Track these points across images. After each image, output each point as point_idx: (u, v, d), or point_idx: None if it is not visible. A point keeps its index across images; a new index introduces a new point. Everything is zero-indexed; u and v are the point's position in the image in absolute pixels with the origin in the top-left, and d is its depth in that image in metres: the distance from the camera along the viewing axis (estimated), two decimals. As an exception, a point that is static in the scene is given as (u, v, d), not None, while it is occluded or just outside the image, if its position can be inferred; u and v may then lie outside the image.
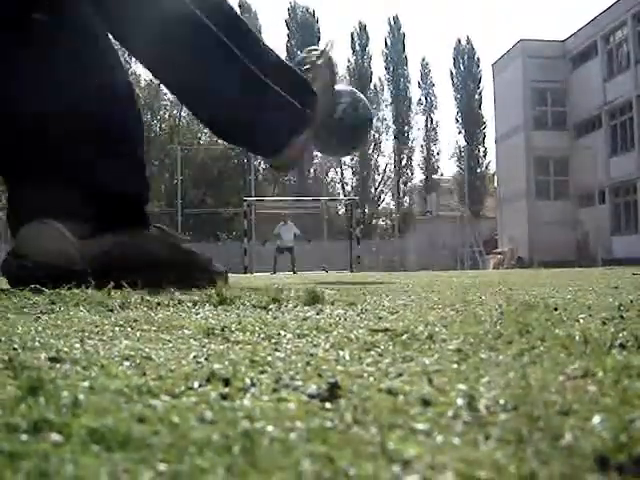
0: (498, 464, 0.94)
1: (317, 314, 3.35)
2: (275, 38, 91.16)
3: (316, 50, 4.80)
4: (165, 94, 67.12)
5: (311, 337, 2.41)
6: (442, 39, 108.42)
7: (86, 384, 1.49)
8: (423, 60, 69.83)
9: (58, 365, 1.80)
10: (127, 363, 1.82)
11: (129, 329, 2.72)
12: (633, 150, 39.22)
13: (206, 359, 1.89)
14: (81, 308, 3.70)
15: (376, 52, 70.64)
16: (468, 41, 68.22)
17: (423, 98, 68.50)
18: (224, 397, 1.36)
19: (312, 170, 65.28)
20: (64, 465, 0.89)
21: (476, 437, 1.08)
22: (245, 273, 28.22)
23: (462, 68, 67.41)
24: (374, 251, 43.55)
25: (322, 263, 36.90)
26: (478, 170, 65.07)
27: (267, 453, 0.95)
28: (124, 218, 4.05)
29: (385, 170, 67.17)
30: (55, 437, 1.02)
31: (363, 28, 67.25)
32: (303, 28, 64.98)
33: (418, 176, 67.88)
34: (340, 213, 61.41)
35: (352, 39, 67.13)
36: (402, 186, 65.71)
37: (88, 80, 3.96)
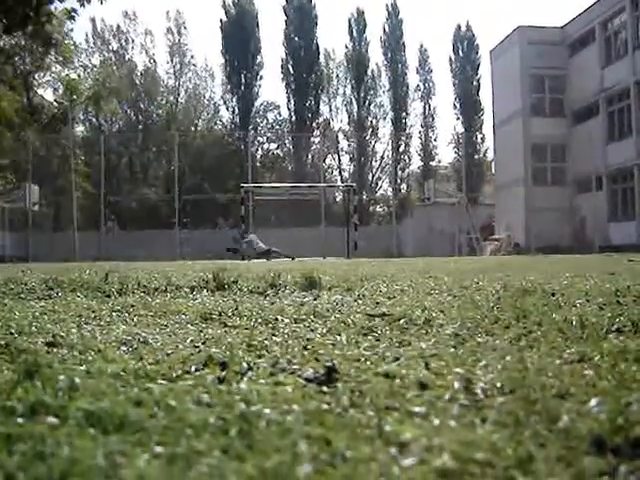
0: (495, 446, 0.94)
1: (314, 299, 3.36)
2: (273, 25, 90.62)
3: None
4: (162, 80, 66.97)
5: (308, 322, 2.41)
6: (440, 25, 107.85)
7: (83, 368, 1.49)
8: (421, 46, 69.32)
9: (55, 349, 1.80)
10: (124, 348, 1.82)
11: (126, 314, 2.72)
12: (630, 137, 39.03)
13: (203, 343, 1.89)
14: (78, 294, 3.70)
15: (374, 38, 70.22)
16: (468, 27, 67.72)
17: (421, 84, 68.00)
18: (221, 381, 1.36)
19: (310, 156, 65.15)
20: (60, 447, 0.89)
21: (473, 420, 1.08)
22: (243, 259, 28.20)
23: (461, 54, 66.87)
24: (371, 237, 43.50)
25: (320, 249, 36.84)
26: (476, 157, 64.71)
27: (264, 435, 0.95)
28: None
29: (382, 156, 66.90)
30: (51, 420, 1.02)
31: (361, 14, 66.67)
32: (301, 14, 64.47)
33: (416, 162, 67.63)
34: (338, 199, 61.34)
35: (350, 25, 66.57)
36: (400, 172, 65.38)
37: None
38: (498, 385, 1.19)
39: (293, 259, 26.77)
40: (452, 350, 1.59)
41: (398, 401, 1.08)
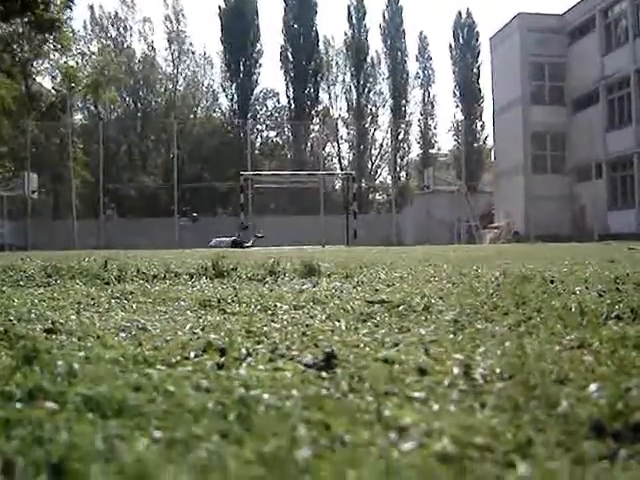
0: (494, 431, 0.94)
1: (313, 286, 3.36)
2: (272, 11, 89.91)
3: None
4: (161, 68, 66.78)
5: (307, 308, 2.41)
6: (440, 12, 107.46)
7: (82, 354, 1.49)
8: (421, 34, 69.18)
9: (54, 336, 1.80)
10: (123, 334, 1.82)
11: (125, 301, 2.72)
12: (630, 125, 38.98)
13: (202, 330, 1.90)
14: (77, 281, 3.70)
15: (374, 25, 69.90)
16: (468, 14, 67.51)
17: (421, 72, 67.90)
18: (220, 366, 1.36)
19: (309, 144, 65.09)
20: (59, 432, 0.89)
21: (472, 405, 1.08)
22: (242, 246, 28.24)
23: (461, 41, 66.69)
24: (371, 225, 43.48)
25: (319, 237, 36.85)
26: (475, 144, 64.71)
27: (263, 420, 0.95)
28: None
29: (382, 144, 66.86)
30: (50, 405, 1.02)
31: (360, 1, 66.44)
32: (300, 2, 64.28)
33: (415, 150, 67.63)
34: (337, 187, 61.33)
35: (349, 12, 66.39)
36: (399, 160, 65.35)
37: None
38: (497, 371, 1.19)
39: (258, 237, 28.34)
40: (451, 336, 1.59)
41: (397, 386, 1.08)
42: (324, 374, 1.16)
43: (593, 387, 1.05)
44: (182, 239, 39.89)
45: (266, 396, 0.99)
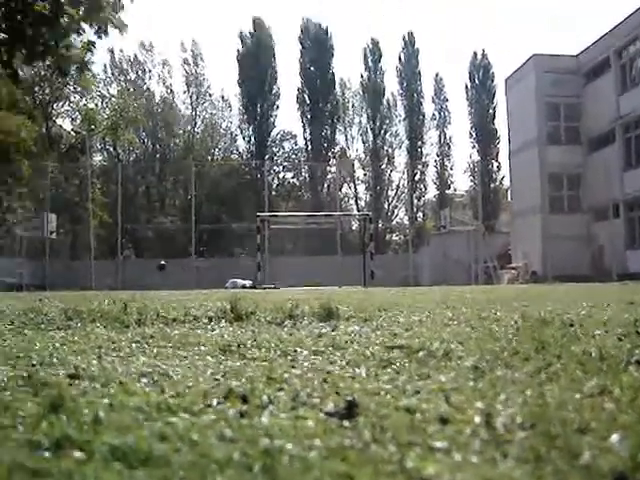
0: (517, 483, 0.94)
1: (332, 330, 3.37)
2: (288, 55, 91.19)
3: None
4: (179, 110, 67.62)
5: (327, 354, 2.42)
6: (456, 54, 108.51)
7: (106, 401, 1.50)
8: (437, 75, 69.80)
9: (77, 382, 1.81)
10: (145, 380, 1.83)
11: (146, 345, 2.74)
12: (647, 164, 39.04)
13: (223, 376, 1.91)
14: (97, 324, 3.72)
15: (389, 67, 70.62)
16: (484, 55, 68.13)
17: (437, 113, 68.45)
18: (242, 415, 1.37)
19: (326, 185, 65.44)
20: (87, 482, 0.90)
21: (494, 455, 1.09)
22: (256, 288, 28.24)
23: (477, 82, 67.19)
24: (388, 266, 43.41)
25: (336, 278, 36.82)
26: (492, 185, 64.89)
27: (287, 471, 0.96)
28: None
29: (399, 185, 67.18)
30: (77, 454, 1.04)
31: (376, 44, 67.30)
32: (316, 45, 65.18)
33: (432, 191, 67.91)
34: (354, 228, 61.49)
35: (365, 55, 67.23)
36: (416, 201, 65.52)
37: None
38: (519, 420, 1.20)
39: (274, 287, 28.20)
40: (472, 383, 1.59)
41: (420, 436, 1.09)
42: (346, 423, 1.17)
43: (615, 437, 1.06)
44: (199, 280, 39.96)
45: (290, 446, 1.00)
